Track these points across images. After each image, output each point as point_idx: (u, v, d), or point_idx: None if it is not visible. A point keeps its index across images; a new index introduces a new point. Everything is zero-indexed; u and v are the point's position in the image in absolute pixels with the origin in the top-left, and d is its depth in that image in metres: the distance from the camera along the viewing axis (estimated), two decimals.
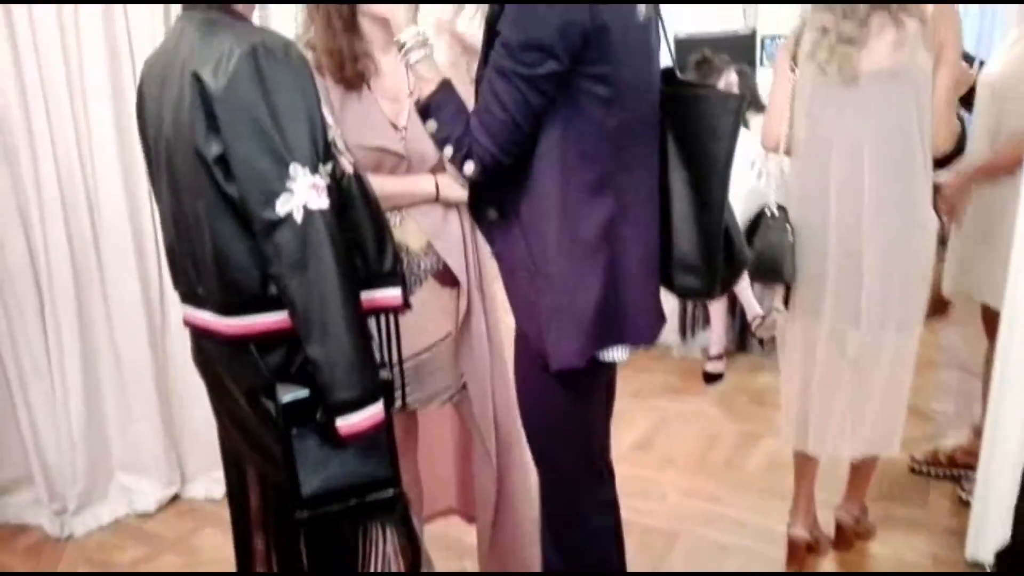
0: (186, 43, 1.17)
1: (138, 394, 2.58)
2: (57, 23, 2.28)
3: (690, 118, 1.29)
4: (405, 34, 1.29)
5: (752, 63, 4.47)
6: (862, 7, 1.79)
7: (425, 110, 1.28)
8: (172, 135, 1.17)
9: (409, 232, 1.67)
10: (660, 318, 1.44)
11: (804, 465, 2.18)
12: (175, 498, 2.71)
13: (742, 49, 4.41)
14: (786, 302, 2.04)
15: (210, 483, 2.69)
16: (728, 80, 3.43)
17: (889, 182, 1.83)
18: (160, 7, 2.31)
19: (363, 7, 1.60)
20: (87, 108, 2.37)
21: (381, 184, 1.59)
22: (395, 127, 1.62)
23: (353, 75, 1.61)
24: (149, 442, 2.63)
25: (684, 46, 4.06)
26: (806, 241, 1.93)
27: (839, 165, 1.86)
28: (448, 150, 1.26)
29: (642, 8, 1.21)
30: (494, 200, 1.33)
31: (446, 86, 1.28)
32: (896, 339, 1.92)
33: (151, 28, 2.31)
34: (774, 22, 4.85)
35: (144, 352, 2.55)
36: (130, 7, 2.36)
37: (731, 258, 1.40)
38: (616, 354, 1.36)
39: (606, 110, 1.21)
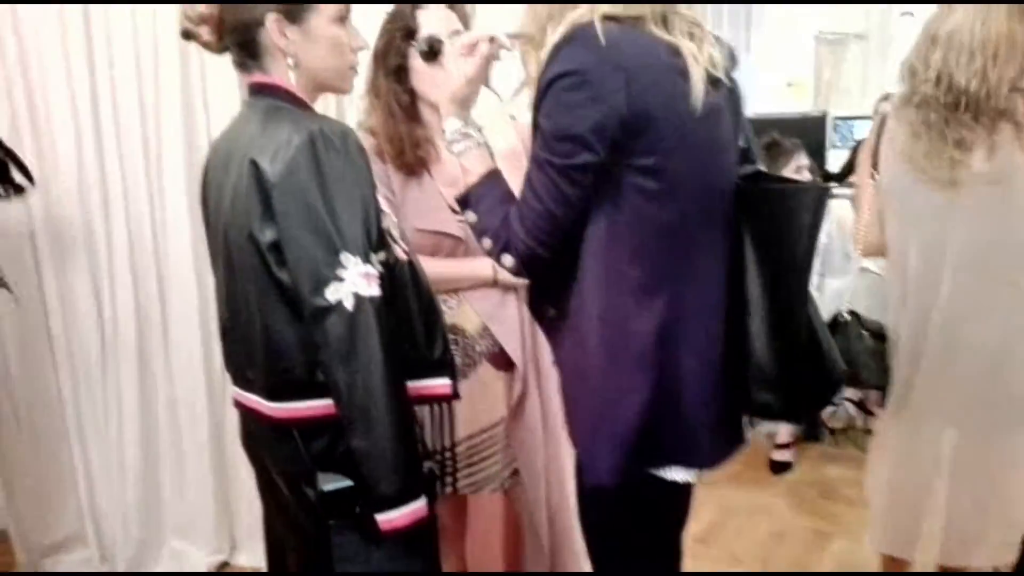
0: (248, 130, 1.19)
1: (194, 460, 2.60)
2: (138, 100, 2.38)
3: (765, 214, 1.18)
4: (448, 125, 1.25)
5: (822, 145, 4.38)
6: (942, 101, 1.71)
7: (464, 201, 1.24)
8: (230, 219, 1.19)
9: (465, 315, 1.65)
10: (733, 438, 1.29)
11: (892, 569, 2.03)
12: (223, 565, 2.70)
13: (812, 131, 4.34)
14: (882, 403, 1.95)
15: (259, 551, 2.67)
16: (799, 163, 3.36)
17: (990, 284, 1.74)
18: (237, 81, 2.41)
19: (420, 94, 1.63)
20: (162, 179, 2.45)
21: (438, 267, 1.59)
22: (455, 211, 1.62)
23: (413, 161, 1.63)
24: (202, 508, 2.63)
25: (753, 127, 4.02)
26: (903, 340, 1.85)
27: (936, 269, 1.78)
28: (486, 242, 1.20)
29: (698, 94, 1.10)
30: (551, 297, 1.24)
31: (490, 177, 1.23)
32: (1008, 441, 1.80)
33: (227, 104, 2.40)
34: (846, 104, 4.79)
35: (202, 419, 2.57)
36: (208, 81, 2.46)
37: (821, 375, 1.24)
38: (675, 474, 1.22)
39: (656, 205, 1.12)
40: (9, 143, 2.23)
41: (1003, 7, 1.67)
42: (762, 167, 1.27)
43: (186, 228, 2.47)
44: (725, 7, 5.09)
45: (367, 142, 1.67)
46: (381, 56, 1.65)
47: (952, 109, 1.70)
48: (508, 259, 1.18)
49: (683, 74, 1.10)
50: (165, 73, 2.39)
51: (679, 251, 1.15)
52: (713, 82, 1.14)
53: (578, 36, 1.07)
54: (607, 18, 1.08)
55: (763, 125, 3.90)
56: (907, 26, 4.99)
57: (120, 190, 2.41)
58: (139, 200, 2.44)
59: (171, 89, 2.41)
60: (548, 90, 1.09)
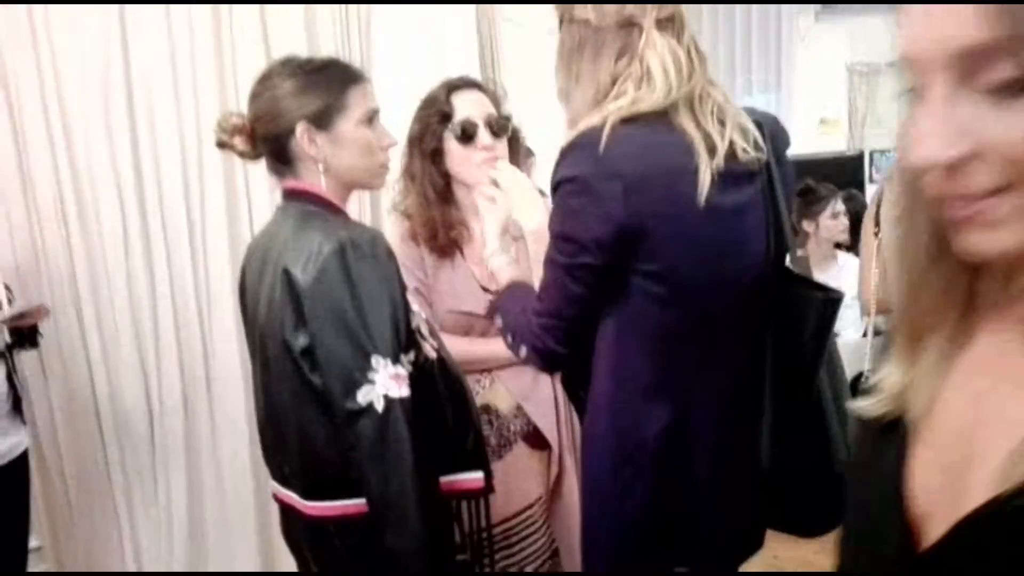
0: (282, 236, 1.23)
1: (240, 529, 2.62)
2: (181, 172, 2.46)
3: (780, 315, 1.15)
4: (491, 242, 1.32)
5: (861, 184, 4.34)
6: None
7: (494, 310, 1.29)
8: (265, 323, 1.22)
9: (499, 394, 1.65)
10: (748, 542, 1.26)
11: None
12: None
13: (850, 171, 4.30)
14: None
15: None
16: (835, 209, 3.31)
17: None
18: None
19: (455, 176, 1.66)
20: (207, 254, 2.53)
21: (470, 347, 1.61)
22: (487, 291, 1.64)
23: (446, 243, 1.65)
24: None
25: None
26: None
27: None
28: (508, 338, 1.24)
29: (702, 196, 1.06)
30: (578, 382, 1.25)
31: (515, 285, 1.29)
32: None
33: (267, 181, 2.46)
34: (881, 140, 4.74)
35: (247, 488, 2.60)
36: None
37: (832, 494, 1.18)
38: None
39: (663, 308, 1.10)
40: (55, 218, 2.31)
41: None
42: (788, 263, 1.22)
43: (230, 306, 2.51)
44: (754, 48, 5.10)
45: (402, 225, 1.71)
46: (417, 140, 1.68)
47: None
48: (523, 349, 1.21)
49: (695, 174, 1.07)
50: (208, 151, 2.47)
51: (689, 354, 1.14)
52: (742, 175, 1.12)
53: (581, 142, 1.08)
54: (628, 118, 1.07)
55: (800, 168, 3.88)
56: None
57: (167, 275, 2.47)
58: (185, 280, 2.50)
59: (214, 172, 2.48)
60: (555, 192, 1.11)
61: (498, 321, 1.26)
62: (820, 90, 5.25)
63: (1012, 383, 0.52)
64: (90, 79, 2.31)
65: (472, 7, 2.83)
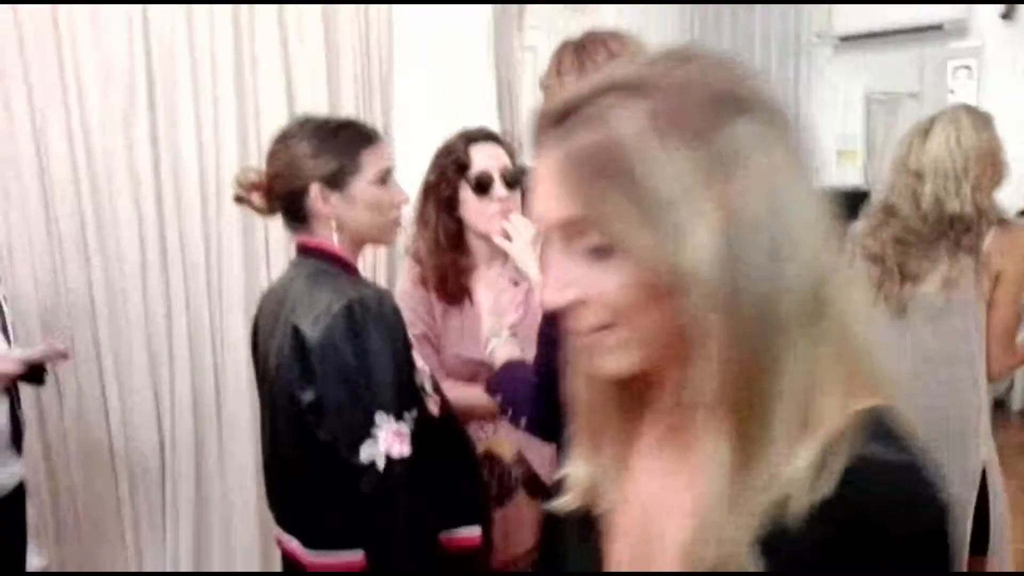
0: (293, 292, 1.27)
1: (245, 566, 2.64)
2: (201, 209, 2.49)
3: None
4: (487, 325, 1.39)
5: None
6: (927, 234, 1.75)
7: (492, 388, 1.33)
8: (274, 378, 1.26)
9: (501, 441, 1.68)
10: None
11: None
12: None
13: (859, 206, 4.30)
14: None
15: None
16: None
17: (938, 411, 1.75)
18: None
19: (468, 225, 1.69)
20: (221, 286, 2.56)
21: (476, 395, 1.63)
22: None
23: (456, 290, 1.68)
24: None
25: None
26: None
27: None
28: (509, 412, 1.29)
29: None
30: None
31: (508, 365, 1.34)
32: None
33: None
34: None
35: (252, 527, 2.61)
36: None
37: None
38: None
39: None
40: (77, 251, 2.36)
41: (966, 120, 1.76)
42: None
43: (242, 339, 2.50)
44: (772, 80, 5.09)
45: (412, 270, 1.74)
46: (432, 188, 1.71)
47: (933, 238, 1.72)
48: (523, 421, 1.24)
49: None
50: (227, 189, 2.48)
51: None
52: None
53: None
54: None
55: None
56: (962, 81, 4.89)
57: (184, 315, 2.51)
58: (201, 315, 2.54)
59: (233, 207, 2.48)
60: None
61: (497, 398, 1.30)
62: (839, 123, 5.25)
63: (673, 479, 0.60)
64: (112, 118, 2.36)
65: (491, 47, 2.85)
